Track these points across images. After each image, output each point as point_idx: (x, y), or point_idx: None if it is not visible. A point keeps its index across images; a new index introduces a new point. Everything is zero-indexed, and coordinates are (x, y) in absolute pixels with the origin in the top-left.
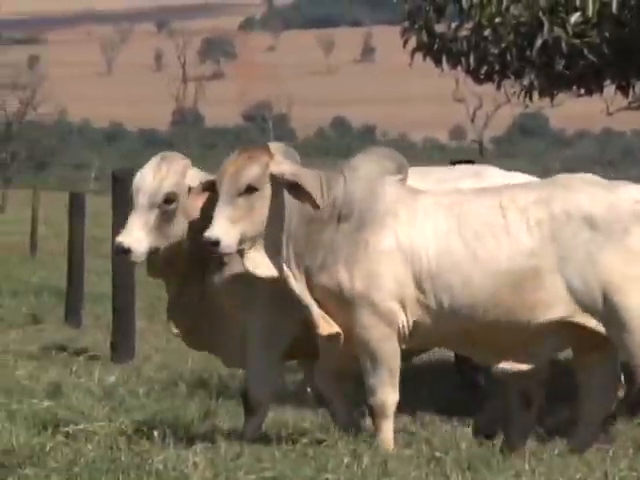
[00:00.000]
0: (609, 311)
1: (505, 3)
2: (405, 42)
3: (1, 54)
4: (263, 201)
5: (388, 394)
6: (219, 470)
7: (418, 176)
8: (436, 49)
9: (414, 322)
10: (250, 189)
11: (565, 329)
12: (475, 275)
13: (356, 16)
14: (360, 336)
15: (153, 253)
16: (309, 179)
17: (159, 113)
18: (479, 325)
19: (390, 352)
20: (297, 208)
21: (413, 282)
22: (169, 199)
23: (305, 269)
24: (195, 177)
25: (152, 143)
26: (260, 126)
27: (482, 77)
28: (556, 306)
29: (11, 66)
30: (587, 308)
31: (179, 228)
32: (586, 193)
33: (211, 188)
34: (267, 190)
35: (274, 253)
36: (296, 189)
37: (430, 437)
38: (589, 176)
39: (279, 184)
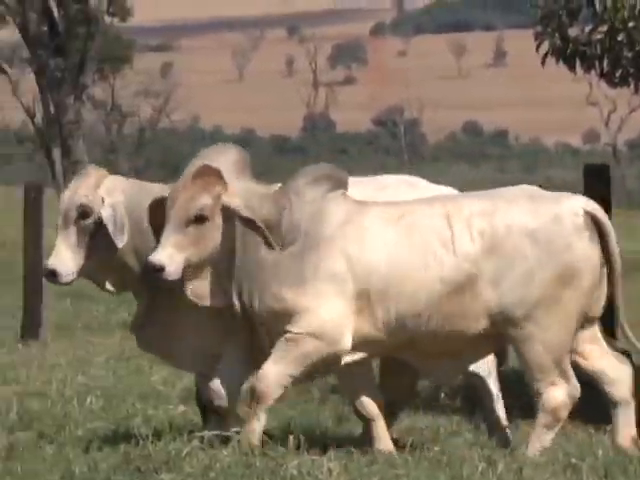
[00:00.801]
0: (529, 324)
1: (639, 6)
2: (538, 46)
3: (136, 61)
4: (213, 230)
5: (276, 388)
6: (353, 476)
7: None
8: (569, 53)
9: (362, 335)
10: (200, 218)
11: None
12: (422, 285)
13: (488, 20)
14: (290, 334)
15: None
16: (265, 217)
17: (290, 119)
18: (422, 334)
19: (308, 364)
20: (240, 234)
21: (362, 295)
22: (83, 213)
23: (248, 293)
24: (114, 186)
25: (283, 149)
26: (391, 131)
27: (616, 81)
28: (485, 317)
29: (145, 73)
30: (511, 320)
31: (102, 242)
32: (529, 208)
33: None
34: (218, 219)
35: (222, 282)
36: (251, 225)
37: (566, 444)
38: (532, 188)
39: (231, 215)
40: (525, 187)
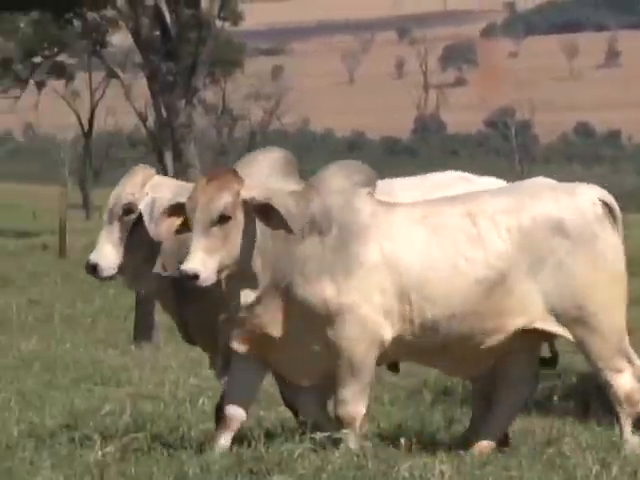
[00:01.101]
0: (577, 316)
1: None
2: None
3: (247, 65)
4: (237, 229)
5: (359, 407)
6: (465, 479)
7: (413, 184)
8: None
9: (397, 336)
10: (223, 218)
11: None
12: (455, 285)
13: (601, 20)
14: (342, 349)
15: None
16: (282, 202)
17: (400, 121)
18: (455, 336)
19: (369, 366)
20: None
21: (398, 295)
22: (128, 210)
23: (286, 285)
24: (160, 184)
25: (393, 151)
26: (502, 132)
27: None
28: (523, 313)
29: (256, 76)
30: (554, 314)
31: (144, 239)
32: (552, 200)
33: (177, 212)
34: (240, 217)
35: (251, 278)
36: (268, 215)
37: None
38: (547, 181)
39: (252, 210)
40: (540, 180)
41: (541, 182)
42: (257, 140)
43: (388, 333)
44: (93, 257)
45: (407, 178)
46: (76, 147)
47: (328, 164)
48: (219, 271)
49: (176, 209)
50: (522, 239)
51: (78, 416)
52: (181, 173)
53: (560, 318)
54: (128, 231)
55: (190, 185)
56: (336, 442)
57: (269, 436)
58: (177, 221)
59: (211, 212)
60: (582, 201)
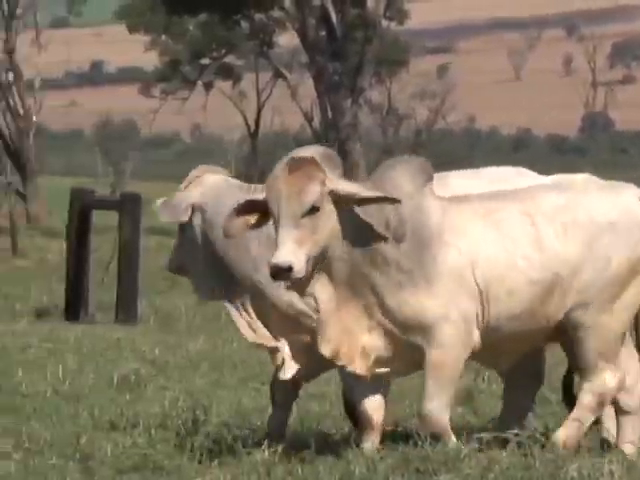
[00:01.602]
0: (599, 310)
1: None
2: None
3: (412, 64)
4: (325, 220)
5: (445, 417)
6: (634, 479)
7: (469, 177)
8: None
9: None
10: (313, 209)
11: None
12: (516, 285)
13: None
14: (434, 357)
15: None
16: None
17: (567, 119)
18: (509, 334)
19: (458, 373)
20: (352, 226)
21: (477, 295)
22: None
23: (373, 288)
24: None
25: (560, 149)
26: None
27: None
28: (565, 309)
29: (422, 75)
30: (583, 307)
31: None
32: (604, 199)
33: (251, 209)
34: (327, 207)
35: (328, 272)
36: (370, 207)
37: None
38: (592, 178)
39: (337, 202)
40: (584, 176)
41: (584, 178)
42: (422, 139)
43: (477, 336)
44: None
45: (461, 171)
46: (242, 147)
47: (387, 161)
48: (307, 264)
49: (249, 206)
50: (577, 236)
51: (245, 415)
52: (347, 172)
53: (584, 308)
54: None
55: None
56: (505, 442)
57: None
58: (251, 219)
59: (302, 203)
60: (630, 200)
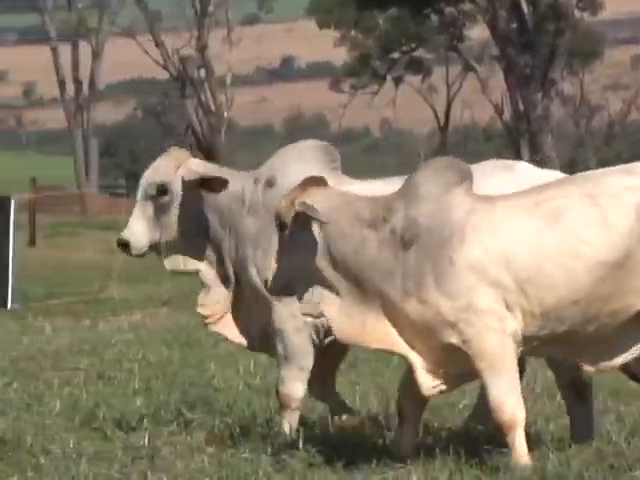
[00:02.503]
0: None
1: None
2: None
3: (606, 55)
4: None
5: (515, 408)
6: None
7: None
8: None
9: (524, 330)
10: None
11: None
12: (576, 270)
13: None
14: (474, 349)
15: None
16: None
17: None
18: (580, 321)
19: (509, 362)
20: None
21: (513, 288)
22: (162, 191)
23: (387, 298)
24: (195, 167)
25: None
26: None
27: None
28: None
29: (615, 66)
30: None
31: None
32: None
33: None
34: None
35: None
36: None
37: None
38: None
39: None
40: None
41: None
42: (615, 131)
43: (514, 323)
44: (124, 234)
45: None
46: (432, 141)
47: (423, 165)
48: None
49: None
50: None
51: (435, 409)
52: (538, 165)
53: None
54: (162, 211)
55: (223, 169)
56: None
57: (631, 432)
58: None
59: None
60: None
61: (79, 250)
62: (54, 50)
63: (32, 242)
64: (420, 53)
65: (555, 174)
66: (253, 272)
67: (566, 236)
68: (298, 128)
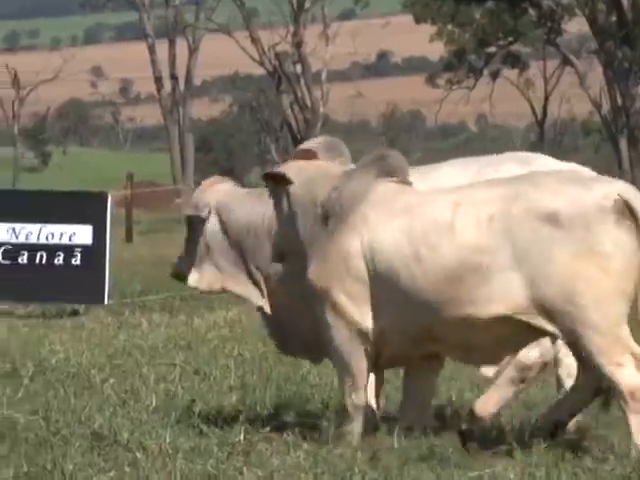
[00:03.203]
0: (565, 309)
1: None
2: None
3: None
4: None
5: (354, 400)
6: None
7: (460, 167)
8: None
9: (382, 326)
10: None
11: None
12: (418, 273)
13: None
14: (324, 336)
15: None
16: (313, 195)
17: None
18: (434, 323)
19: (353, 354)
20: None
21: (374, 282)
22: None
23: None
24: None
25: None
26: None
27: None
28: (500, 302)
29: None
30: (540, 306)
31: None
32: (552, 190)
33: None
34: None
35: None
36: None
37: None
38: (569, 171)
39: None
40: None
41: (562, 175)
42: None
43: (367, 320)
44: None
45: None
46: (529, 136)
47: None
48: None
49: None
50: (507, 228)
51: (532, 407)
52: (636, 160)
53: (547, 311)
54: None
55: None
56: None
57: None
58: None
59: None
60: (589, 193)
61: (175, 246)
62: (151, 47)
63: (129, 238)
64: (517, 47)
65: (573, 167)
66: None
67: (416, 240)
68: (394, 123)
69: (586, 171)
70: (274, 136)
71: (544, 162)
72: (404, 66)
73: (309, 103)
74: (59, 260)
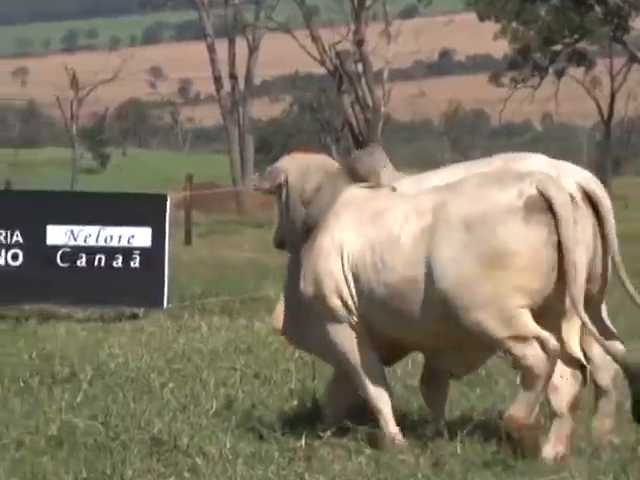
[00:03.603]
0: (464, 307)
1: None
2: None
3: None
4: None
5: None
6: None
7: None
8: None
9: (360, 321)
10: None
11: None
12: (373, 283)
13: None
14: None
15: None
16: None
17: None
18: (395, 329)
19: (344, 339)
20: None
21: (349, 281)
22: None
23: None
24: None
25: None
26: None
27: None
28: (432, 309)
29: None
30: (450, 306)
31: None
32: (468, 196)
33: None
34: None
35: None
36: None
37: None
38: (497, 172)
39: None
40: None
41: (501, 170)
42: None
43: (343, 315)
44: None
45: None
46: (595, 135)
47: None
48: None
49: None
50: (432, 238)
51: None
52: None
53: (451, 312)
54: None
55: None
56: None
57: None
58: None
59: None
60: (498, 194)
61: (235, 248)
62: (210, 46)
63: (188, 240)
64: (583, 45)
65: (564, 166)
66: None
67: (374, 248)
68: (457, 123)
69: (541, 168)
70: (335, 136)
71: (531, 162)
72: (467, 64)
73: (370, 103)
74: (118, 263)
